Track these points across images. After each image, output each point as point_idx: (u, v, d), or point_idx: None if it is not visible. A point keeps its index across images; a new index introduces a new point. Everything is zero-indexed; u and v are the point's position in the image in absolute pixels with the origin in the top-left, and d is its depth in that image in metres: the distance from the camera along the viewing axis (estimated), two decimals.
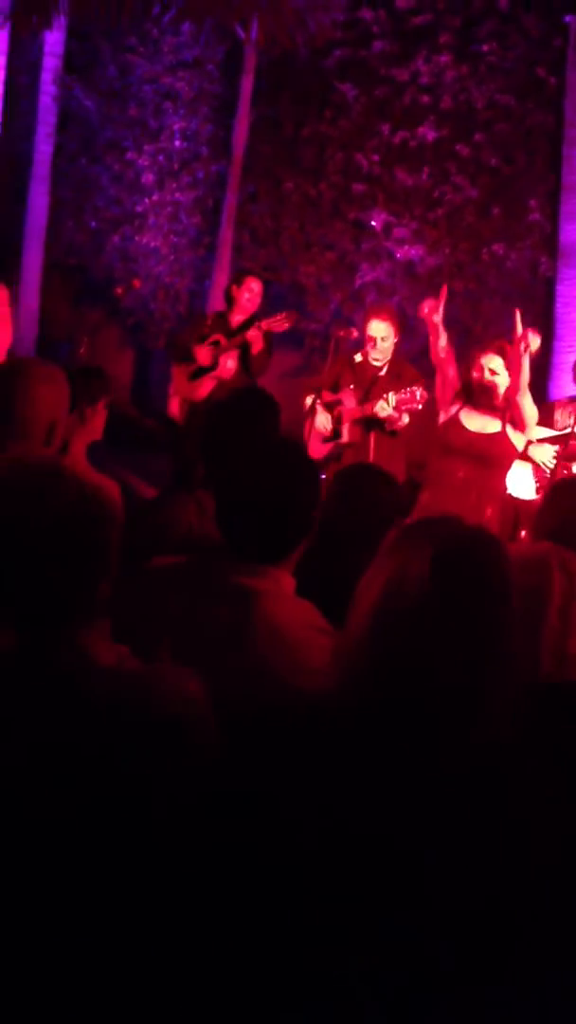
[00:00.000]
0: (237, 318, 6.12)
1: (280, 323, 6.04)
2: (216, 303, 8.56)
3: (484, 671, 1.28)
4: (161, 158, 9.21)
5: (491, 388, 4.56)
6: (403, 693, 1.27)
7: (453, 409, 4.73)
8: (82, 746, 1.27)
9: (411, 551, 1.31)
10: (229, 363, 5.94)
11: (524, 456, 4.76)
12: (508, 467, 4.69)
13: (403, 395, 5.14)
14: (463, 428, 4.65)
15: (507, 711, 1.29)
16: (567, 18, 8.33)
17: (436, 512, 4.16)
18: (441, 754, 1.25)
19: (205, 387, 6.01)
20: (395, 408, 5.17)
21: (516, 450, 4.64)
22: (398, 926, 1.18)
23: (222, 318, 6.23)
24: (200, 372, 6.04)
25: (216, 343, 6.02)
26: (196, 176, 9.21)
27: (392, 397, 5.15)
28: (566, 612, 1.61)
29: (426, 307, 4.75)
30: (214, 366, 5.99)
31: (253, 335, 5.90)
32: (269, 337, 6.05)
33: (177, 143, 9.20)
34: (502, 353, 4.58)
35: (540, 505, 2.41)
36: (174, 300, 9.27)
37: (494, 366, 4.56)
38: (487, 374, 4.57)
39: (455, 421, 4.69)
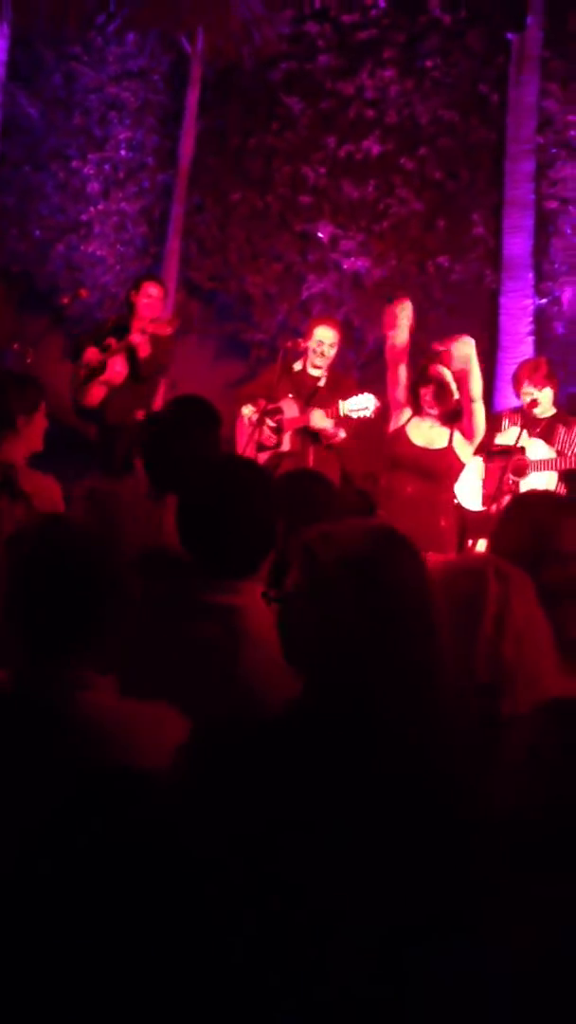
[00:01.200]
0: (136, 323, 5.99)
1: (163, 327, 5.95)
2: (166, 312, 8.53)
3: (405, 675, 1.29)
4: (107, 167, 9.17)
5: (446, 389, 4.53)
6: (332, 695, 1.28)
7: (403, 419, 4.70)
8: (44, 786, 1.26)
9: (327, 548, 1.33)
10: (117, 367, 5.83)
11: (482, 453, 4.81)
12: (456, 479, 4.69)
13: (355, 403, 5.11)
14: (410, 442, 4.63)
15: (438, 714, 1.28)
16: (509, 35, 8.48)
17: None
18: (377, 757, 1.26)
19: (96, 393, 5.87)
20: (347, 415, 5.12)
21: (462, 463, 4.65)
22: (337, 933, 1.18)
23: (122, 322, 6.10)
24: (91, 375, 5.91)
25: (107, 347, 5.91)
26: (142, 186, 9.18)
27: (343, 405, 5.12)
28: (501, 619, 1.63)
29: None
30: (101, 369, 5.87)
31: (138, 339, 5.78)
32: (159, 341, 5.90)
33: (123, 152, 9.16)
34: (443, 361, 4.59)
35: (496, 525, 2.43)
36: (120, 310, 9.20)
37: (445, 373, 4.55)
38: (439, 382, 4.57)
39: (402, 434, 4.67)
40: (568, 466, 4.86)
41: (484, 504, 4.82)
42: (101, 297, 9.09)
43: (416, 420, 4.67)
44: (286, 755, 1.29)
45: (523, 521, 2.35)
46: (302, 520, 2.32)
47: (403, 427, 4.68)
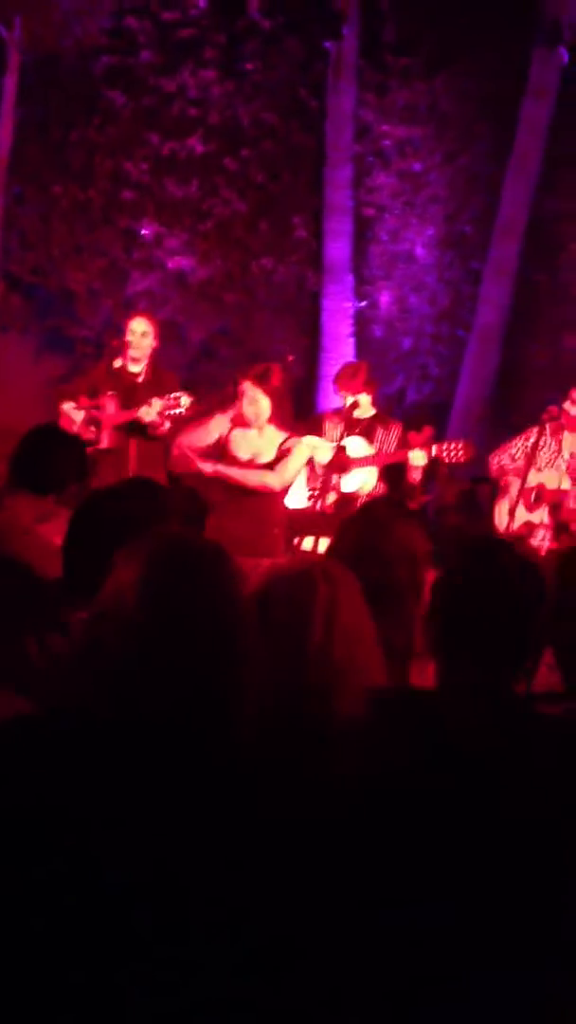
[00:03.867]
0: None
1: None
2: None
3: (213, 675, 1.32)
4: None
5: (252, 417, 4.51)
6: (135, 700, 1.30)
7: (225, 428, 4.61)
8: None
9: (127, 561, 1.37)
10: None
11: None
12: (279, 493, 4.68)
13: (167, 401, 5.15)
14: (234, 457, 4.59)
15: (251, 714, 1.34)
16: (327, 44, 8.72)
17: (225, 537, 4.15)
18: (191, 760, 1.29)
19: None
20: (159, 414, 5.13)
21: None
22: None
23: None
24: None
25: None
26: None
27: (157, 402, 5.14)
28: (330, 621, 1.70)
29: None
30: None
31: None
32: None
33: None
34: (260, 377, 4.51)
35: (336, 533, 2.52)
36: None
37: (251, 392, 4.50)
38: (246, 404, 4.52)
39: (226, 449, 4.60)
40: (386, 463, 5.07)
41: (308, 501, 4.99)
42: None
43: (239, 432, 4.61)
44: (72, 764, 1.30)
45: (364, 523, 2.47)
46: (130, 532, 2.38)
47: (226, 440, 4.60)
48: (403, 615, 2.26)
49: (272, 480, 4.52)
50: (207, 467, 4.57)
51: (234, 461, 4.58)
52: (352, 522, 2.51)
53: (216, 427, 4.64)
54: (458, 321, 9.12)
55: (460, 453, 5.00)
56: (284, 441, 4.58)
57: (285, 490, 4.65)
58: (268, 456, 4.58)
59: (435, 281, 9.10)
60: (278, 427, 4.62)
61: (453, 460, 5.04)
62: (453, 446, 5.03)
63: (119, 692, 1.32)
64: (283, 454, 4.56)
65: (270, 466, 4.54)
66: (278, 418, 4.61)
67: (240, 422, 4.59)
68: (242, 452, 4.60)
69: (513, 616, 1.63)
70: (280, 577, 1.79)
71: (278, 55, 8.63)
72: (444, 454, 5.00)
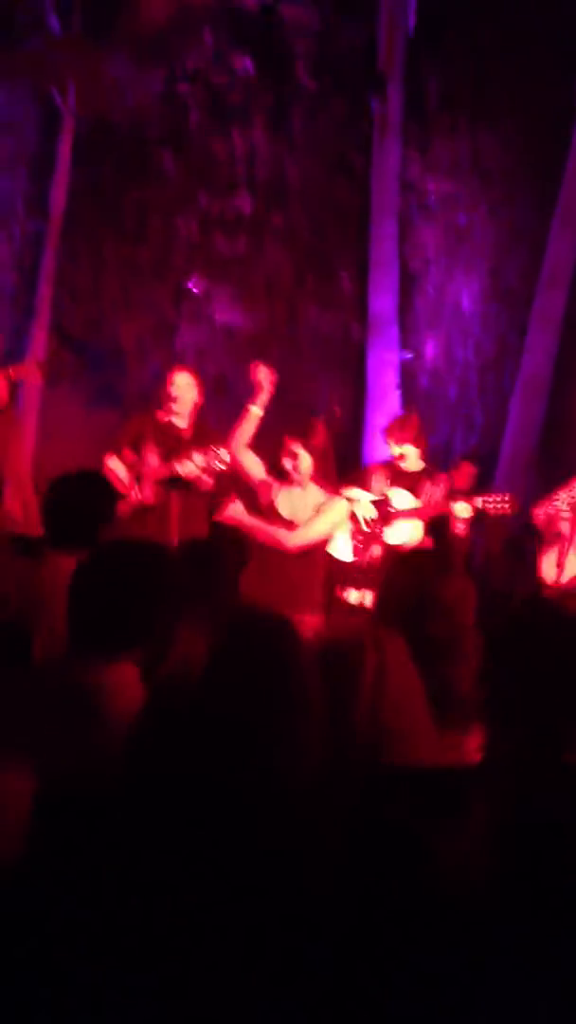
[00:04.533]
0: None
1: (32, 374, 5.98)
2: (28, 359, 8.47)
3: (271, 752, 1.33)
4: None
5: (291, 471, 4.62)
6: (182, 766, 1.32)
7: (273, 494, 4.72)
8: None
9: (196, 634, 1.39)
10: None
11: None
12: (324, 548, 4.74)
13: (208, 455, 5.19)
14: (278, 515, 4.66)
15: (303, 790, 1.35)
16: (372, 103, 8.89)
17: (263, 590, 4.15)
18: (238, 834, 1.29)
19: None
20: (201, 469, 5.18)
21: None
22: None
23: None
24: None
25: None
26: (13, 234, 9.13)
27: (198, 457, 5.18)
28: (379, 688, 1.71)
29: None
30: None
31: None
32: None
33: None
34: (302, 437, 4.66)
35: (380, 587, 2.53)
36: None
37: (294, 450, 4.63)
38: (288, 461, 4.64)
39: (272, 509, 4.69)
40: (432, 514, 5.06)
41: (355, 555, 4.99)
42: None
43: (284, 491, 4.71)
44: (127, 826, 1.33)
45: (405, 576, 2.47)
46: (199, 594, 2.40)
47: (272, 500, 4.71)
48: (453, 668, 2.25)
49: (285, 538, 4.55)
50: (228, 512, 4.63)
51: (277, 519, 4.64)
52: (395, 576, 2.51)
53: (263, 473, 4.78)
54: (504, 371, 9.13)
55: (505, 505, 4.98)
56: (323, 502, 4.64)
57: (307, 547, 4.63)
58: (307, 513, 4.64)
59: (480, 332, 9.14)
60: (320, 485, 4.68)
61: (498, 512, 5.01)
62: (498, 498, 5.01)
63: (182, 759, 1.35)
64: (315, 512, 4.63)
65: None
66: (321, 475, 4.68)
67: (287, 480, 4.66)
68: (284, 510, 4.67)
69: (562, 679, 1.60)
70: (331, 645, 1.80)
71: (324, 115, 8.82)
72: (489, 506, 4.99)
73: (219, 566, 2.63)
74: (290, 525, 4.60)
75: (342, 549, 5.01)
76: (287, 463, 4.63)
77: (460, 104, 8.90)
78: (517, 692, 1.62)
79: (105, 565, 1.98)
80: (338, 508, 4.68)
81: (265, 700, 1.38)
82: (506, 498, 4.99)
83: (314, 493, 4.68)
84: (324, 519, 4.63)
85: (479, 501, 5.00)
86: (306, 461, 4.62)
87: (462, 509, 4.95)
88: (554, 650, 1.64)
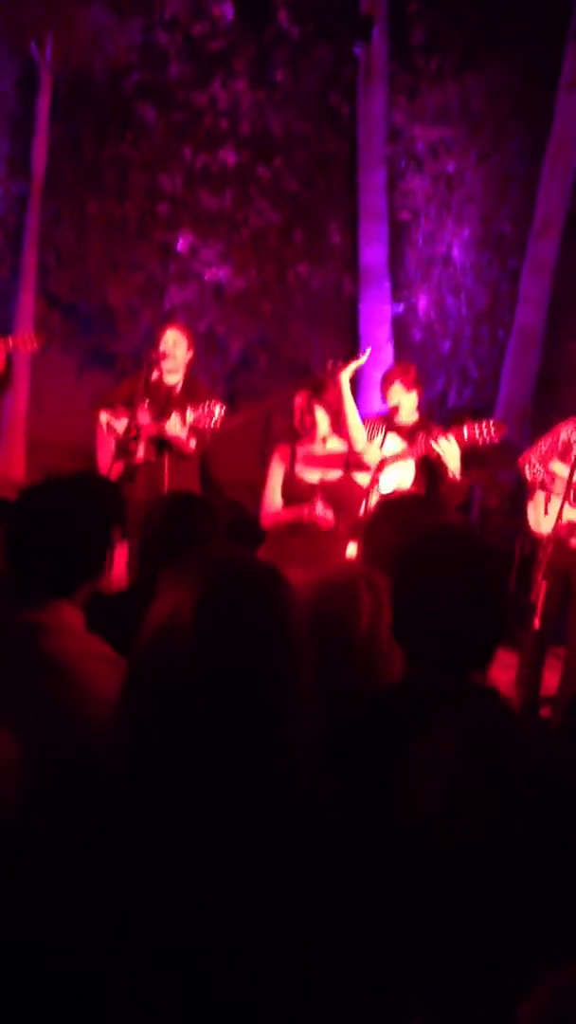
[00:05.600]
0: None
1: (30, 343, 5.91)
2: (25, 324, 8.38)
3: (268, 693, 1.28)
4: None
5: (309, 429, 4.56)
6: (177, 738, 1.26)
7: (283, 463, 4.66)
8: None
9: (180, 583, 1.33)
10: None
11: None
12: (358, 506, 4.70)
13: (200, 411, 5.15)
14: (303, 481, 4.60)
15: (305, 756, 1.29)
16: (356, 49, 8.70)
17: (292, 556, 4.09)
18: (237, 801, 1.24)
19: None
20: (190, 426, 5.14)
21: (361, 487, 4.67)
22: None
23: None
24: None
25: None
26: None
27: (190, 413, 5.15)
28: (374, 631, 1.68)
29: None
30: None
31: None
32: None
33: None
34: (315, 390, 4.60)
35: (365, 528, 2.48)
36: None
37: (308, 407, 4.56)
38: (302, 416, 4.57)
39: (293, 475, 4.63)
40: (420, 455, 4.98)
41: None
42: None
43: (303, 449, 4.64)
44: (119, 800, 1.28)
45: (391, 522, 2.43)
46: (179, 545, 2.35)
47: (291, 466, 4.65)
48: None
49: (364, 446, 4.55)
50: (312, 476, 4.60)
51: (302, 482, 4.60)
52: (380, 520, 2.46)
53: (276, 469, 4.68)
54: (497, 322, 9.04)
55: (491, 431, 4.87)
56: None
57: (356, 509, 4.59)
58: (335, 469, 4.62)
59: (473, 282, 9.03)
60: (340, 437, 4.66)
61: (485, 440, 4.91)
62: (483, 426, 4.90)
63: (174, 711, 1.30)
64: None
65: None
66: (338, 430, 4.64)
67: (303, 442, 4.60)
68: (308, 473, 4.61)
69: (472, 606, 1.54)
70: (326, 589, 1.77)
71: (307, 62, 8.63)
72: (476, 434, 4.88)
73: (200, 519, 2.59)
74: (322, 483, 4.56)
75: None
76: (304, 421, 4.57)
77: (447, 48, 8.70)
78: (427, 620, 1.56)
79: (38, 502, 1.95)
80: (371, 454, 4.66)
81: (258, 654, 1.31)
82: (491, 424, 4.91)
83: (338, 446, 4.65)
84: (370, 456, 4.60)
85: (464, 432, 4.91)
86: (323, 418, 4.57)
87: (445, 444, 4.85)
88: (464, 576, 1.57)
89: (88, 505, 1.99)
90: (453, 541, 1.63)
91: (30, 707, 1.71)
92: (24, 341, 5.84)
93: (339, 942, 1.26)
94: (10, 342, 5.75)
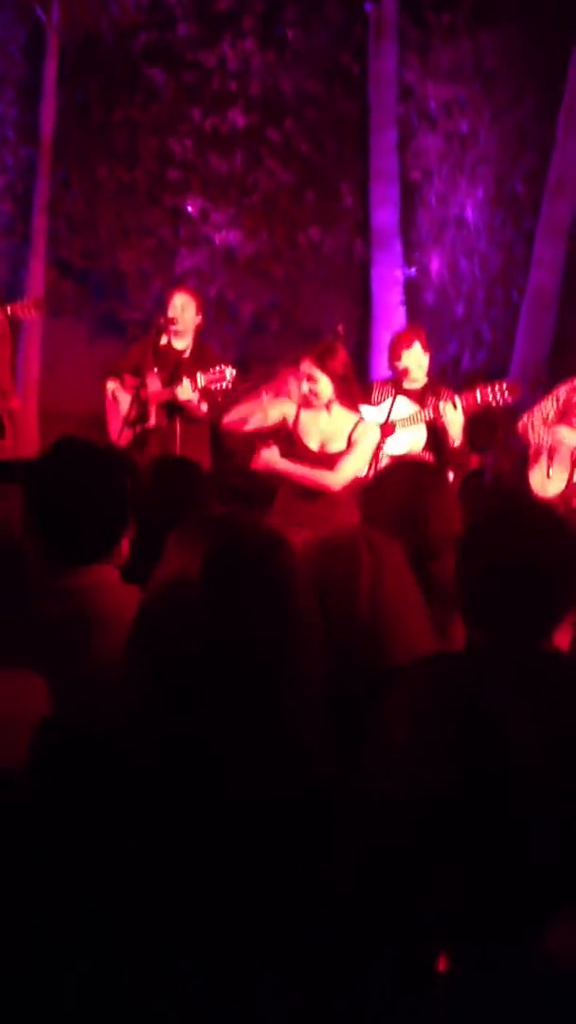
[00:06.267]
0: None
1: (28, 310, 5.87)
2: (35, 292, 8.34)
3: (271, 674, 1.28)
4: None
5: (313, 396, 4.39)
6: (183, 694, 1.26)
7: (290, 411, 4.52)
8: None
9: (184, 546, 1.33)
10: None
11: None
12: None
13: (212, 375, 5.14)
14: (304, 445, 4.49)
15: (310, 712, 1.29)
16: (367, 6, 8.55)
17: (300, 519, 4.04)
18: (241, 761, 1.24)
19: None
20: (201, 390, 5.11)
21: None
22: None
23: None
24: None
25: None
26: (5, 162, 8.91)
27: (201, 377, 5.13)
28: (375, 591, 1.68)
29: None
30: None
31: None
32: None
33: None
34: (320, 356, 4.42)
35: (367, 490, 2.48)
36: None
37: (311, 372, 4.39)
38: (305, 384, 4.41)
39: (293, 432, 4.51)
40: (431, 418, 4.93)
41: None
42: None
43: (308, 414, 4.48)
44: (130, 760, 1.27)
45: (395, 484, 2.42)
46: (177, 508, 2.36)
47: (295, 425, 4.50)
48: (444, 576, 2.22)
49: (329, 480, 4.41)
50: (263, 459, 4.49)
51: (304, 449, 4.49)
52: (386, 484, 2.46)
53: (274, 408, 4.59)
54: (511, 284, 8.93)
55: (506, 393, 4.80)
56: (354, 429, 4.46)
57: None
58: (339, 441, 4.47)
59: (486, 244, 8.91)
60: (347, 407, 4.51)
61: (500, 402, 4.85)
62: (498, 388, 4.83)
63: (179, 673, 1.30)
64: (351, 444, 4.45)
65: (339, 456, 4.45)
66: (346, 397, 4.50)
67: (307, 404, 4.49)
68: (312, 439, 4.50)
69: (541, 577, 1.55)
70: (326, 549, 1.77)
71: (318, 20, 8.49)
72: (491, 396, 4.81)
73: (189, 483, 2.61)
74: (322, 454, 4.45)
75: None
76: (304, 386, 4.44)
77: (459, 3, 8.54)
78: (493, 592, 1.57)
79: (57, 471, 1.97)
80: (371, 434, 4.51)
81: (266, 612, 1.32)
82: (506, 386, 4.85)
83: (341, 416, 4.48)
84: (362, 450, 4.46)
85: (477, 395, 4.85)
86: (325, 384, 4.42)
87: (450, 412, 4.77)
88: (533, 548, 1.58)
89: (109, 468, 2.04)
90: (526, 511, 1.65)
91: (83, 664, 1.73)
92: (23, 308, 5.81)
93: (347, 935, 1.25)
94: (8, 310, 5.72)
